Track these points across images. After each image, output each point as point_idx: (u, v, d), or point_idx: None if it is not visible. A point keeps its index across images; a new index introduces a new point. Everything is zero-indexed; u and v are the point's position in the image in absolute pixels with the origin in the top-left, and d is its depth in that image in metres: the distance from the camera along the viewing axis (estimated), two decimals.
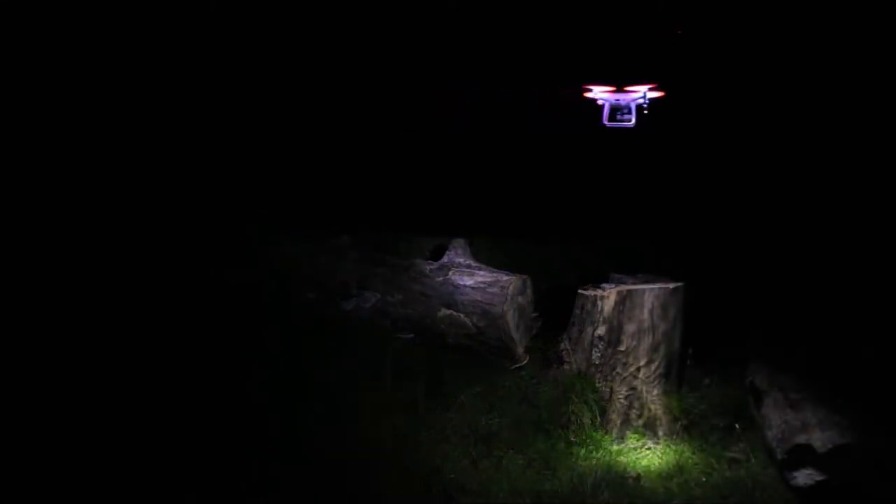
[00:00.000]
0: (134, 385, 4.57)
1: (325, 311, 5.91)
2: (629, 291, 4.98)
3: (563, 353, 5.17)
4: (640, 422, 4.89)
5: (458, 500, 4.00)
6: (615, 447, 4.65)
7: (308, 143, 7.85)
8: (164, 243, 6.15)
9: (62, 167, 6.40)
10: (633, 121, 5.59)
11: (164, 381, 4.65)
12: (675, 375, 5.12)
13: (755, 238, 7.12)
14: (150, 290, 5.61)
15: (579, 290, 5.15)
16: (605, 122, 5.68)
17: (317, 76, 7.89)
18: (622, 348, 4.98)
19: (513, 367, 5.39)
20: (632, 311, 4.97)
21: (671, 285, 5.05)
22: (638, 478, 4.32)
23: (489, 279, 5.52)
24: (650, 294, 4.96)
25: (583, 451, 4.54)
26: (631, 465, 4.47)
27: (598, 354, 5.02)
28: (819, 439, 4.16)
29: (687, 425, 4.83)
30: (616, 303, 4.98)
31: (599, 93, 5.54)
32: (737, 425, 4.74)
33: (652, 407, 4.93)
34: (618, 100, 5.56)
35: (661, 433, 4.83)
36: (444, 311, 5.60)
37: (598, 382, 4.98)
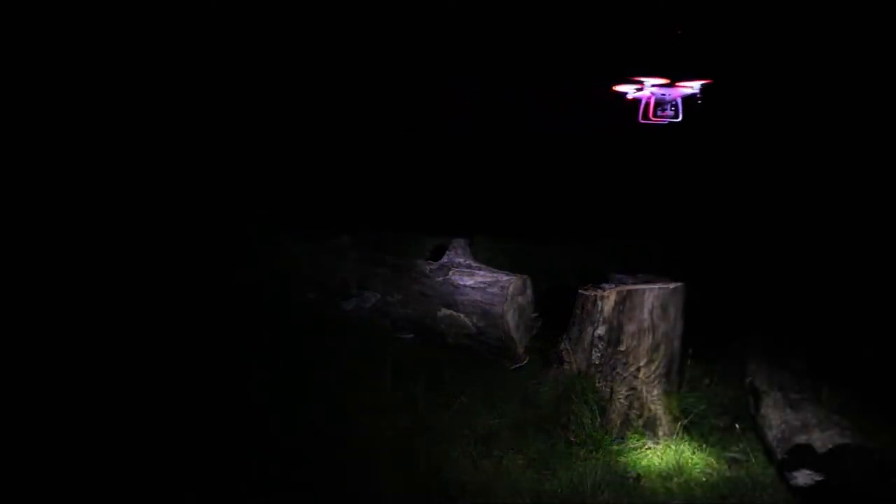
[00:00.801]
0: (134, 385, 4.57)
1: (325, 311, 5.91)
2: (629, 291, 4.98)
3: (563, 353, 5.17)
4: (640, 422, 4.89)
5: (458, 500, 4.00)
6: (615, 447, 4.65)
7: (308, 143, 7.85)
8: (165, 243, 6.15)
9: (63, 168, 6.40)
10: (680, 116, 5.25)
11: (164, 380, 4.65)
12: (675, 375, 5.12)
13: (755, 238, 7.12)
14: (150, 291, 5.61)
15: (579, 290, 5.15)
16: (642, 118, 5.36)
17: (317, 76, 7.89)
18: (622, 348, 4.98)
19: (513, 367, 5.39)
20: (632, 311, 4.97)
21: (671, 285, 5.05)
22: (638, 478, 4.32)
23: (489, 279, 5.52)
24: (650, 294, 4.96)
25: (583, 451, 4.54)
26: (631, 465, 4.47)
27: (598, 354, 5.02)
28: (819, 439, 4.16)
29: (687, 425, 4.82)
30: (616, 303, 4.98)
31: (650, 86, 5.19)
32: (737, 425, 4.74)
33: (652, 407, 4.93)
34: (663, 94, 5.22)
35: (661, 433, 4.82)
36: (444, 311, 5.60)
37: (598, 382, 4.98)
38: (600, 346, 5.01)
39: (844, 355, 5.33)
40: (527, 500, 4.03)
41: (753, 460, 4.47)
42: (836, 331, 5.59)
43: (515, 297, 5.41)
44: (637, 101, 5.32)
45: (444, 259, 5.88)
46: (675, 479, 4.31)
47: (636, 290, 4.98)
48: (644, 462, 4.51)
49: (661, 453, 4.61)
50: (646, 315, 4.96)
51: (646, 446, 4.70)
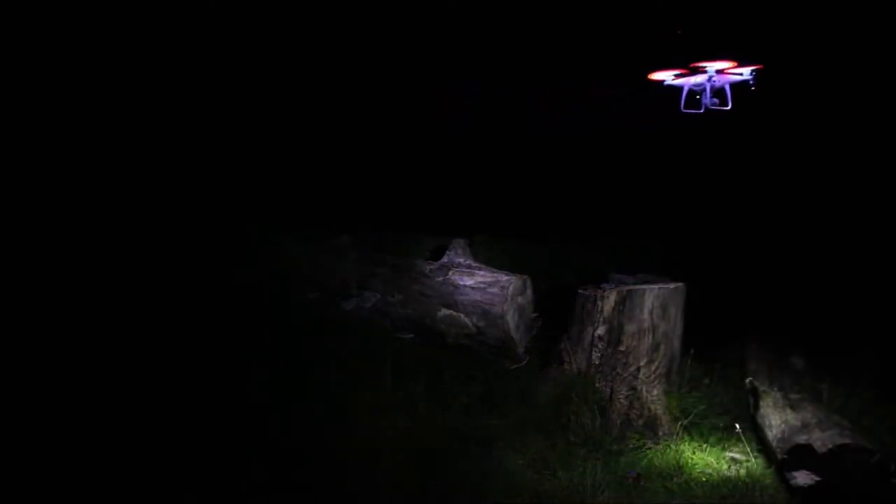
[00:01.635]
0: (134, 385, 4.57)
1: (325, 311, 5.91)
2: (629, 291, 4.98)
3: (563, 353, 5.17)
4: (640, 422, 4.88)
5: (458, 499, 4.00)
6: (615, 447, 4.65)
7: (308, 143, 7.85)
8: (165, 244, 6.14)
9: (63, 168, 6.40)
10: (729, 104, 4.93)
11: (164, 381, 4.65)
12: (675, 375, 5.12)
13: (755, 238, 7.12)
14: (150, 291, 5.61)
15: (579, 290, 5.15)
16: (684, 108, 5.03)
17: (317, 76, 7.88)
18: (622, 348, 4.98)
19: (513, 367, 5.39)
20: (632, 311, 4.97)
21: (671, 285, 5.05)
22: (638, 478, 4.32)
23: (489, 279, 5.52)
24: (650, 294, 4.96)
25: (583, 451, 4.54)
26: (631, 465, 4.47)
27: (598, 354, 5.02)
28: (819, 439, 4.17)
29: (687, 425, 4.82)
30: (616, 303, 4.98)
31: (713, 68, 4.82)
32: (737, 425, 4.74)
33: (652, 407, 4.93)
34: (714, 82, 4.89)
35: (661, 433, 4.82)
36: (444, 311, 5.60)
37: (598, 382, 4.98)
38: (600, 346, 5.01)
39: (844, 355, 5.33)
40: (527, 500, 4.03)
41: (753, 460, 4.47)
42: (836, 331, 5.59)
43: (515, 297, 5.41)
44: (677, 88, 5.05)
45: (444, 259, 5.88)
46: (675, 479, 4.31)
47: (636, 290, 4.98)
48: (644, 462, 4.51)
49: (661, 453, 4.61)
50: (646, 315, 4.96)
51: (646, 446, 4.70)
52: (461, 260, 5.84)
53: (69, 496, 3.72)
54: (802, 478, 4.08)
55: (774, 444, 4.43)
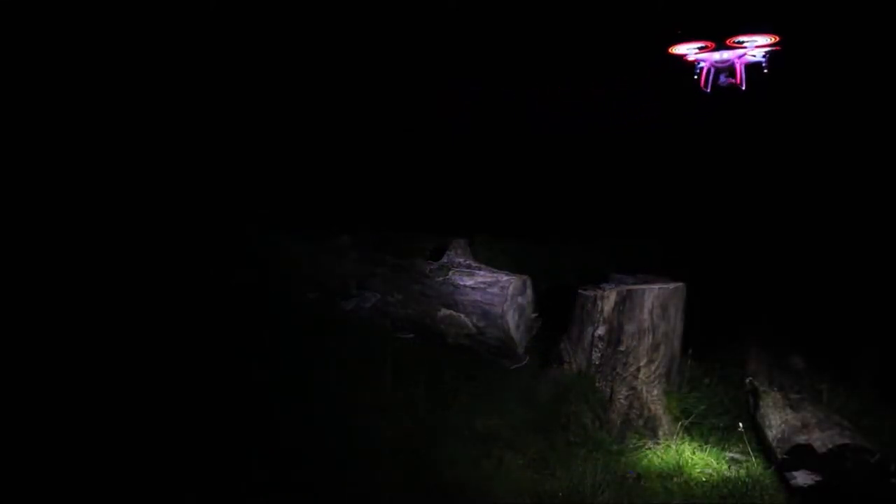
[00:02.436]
0: (135, 385, 4.57)
1: (325, 311, 5.90)
2: (629, 291, 4.98)
3: (563, 353, 5.17)
4: (640, 422, 4.89)
5: (458, 499, 4.00)
6: (615, 447, 4.65)
7: (308, 143, 7.85)
8: (165, 244, 6.14)
9: (63, 168, 6.40)
10: (743, 84, 4.75)
11: (164, 381, 4.65)
12: (675, 375, 5.12)
13: (755, 239, 7.12)
14: (151, 291, 5.60)
15: (579, 290, 5.16)
16: (704, 85, 4.83)
17: (317, 76, 7.88)
18: (622, 348, 4.98)
19: (513, 367, 5.39)
20: (632, 311, 4.97)
21: (671, 285, 5.06)
22: (638, 478, 4.32)
23: (489, 279, 5.52)
24: (650, 294, 4.96)
25: (583, 451, 4.54)
26: (631, 465, 4.47)
27: (598, 354, 5.02)
28: (819, 439, 4.17)
29: (687, 425, 4.83)
30: (616, 303, 4.99)
31: (752, 43, 4.56)
32: (740, 424, 4.74)
33: (652, 407, 4.93)
34: (724, 60, 4.72)
35: (661, 433, 4.83)
36: (444, 311, 5.60)
37: (598, 382, 4.98)
38: (600, 346, 5.01)
39: (844, 355, 5.33)
40: (527, 500, 4.03)
41: (753, 460, 4.47)
42: (836, 331, 5.59)
43: (515, 297, 5.41)
44: (696, 64, 4.88)
45: (444, 259, 5.88)
46: (675, 479, 4.32)
47: (636, 290, 4.98)
48: (644, 462, 4.51)
49: (661, 453, 4.61)
50: (646, 315, 4.96)
51: (646, 446, 4.70)
52: (461, 260, 5.84)
53: (69, 496, 3.72)
54: (802, 478, 4.08)
55: (774, 444, 4.43)
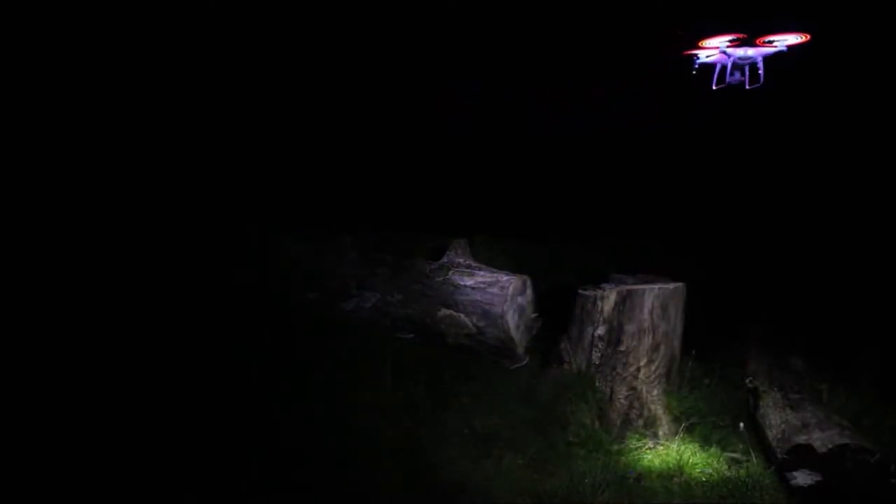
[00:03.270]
0: (134, 385, 4.57)
1: (325, 311, 5.90)
2: (629, 291, 4.98)
3: (563, 353, 5.17)
4: (640, 422, 4.89)
5: (458, 499, 4.00)
6: (615, 447, 4.65)
7: (308, 143, 7.85)
8: (165, 244, 6.14)
9: (63, 168, 6.40)
10: (761, 80, 4.56)
11: (164, 381, 4.65)
12: (675, 375, 5.12)
13: (755, 239, 7.12)
14: (150, 291, 5.60)
15: (579, 290, 5.15)
16: (716, 84, 4.66)
17: (317, 76, 7.88)
18: (622, 348, 4.98)
19: (513, 367, 5.39)
20: (632, 311, 4.97)
21: (671, 285, 5.05)
22: (638, 478, 4.32)
23: (489, 279, 5.52)
24: (650, 294, 4.96)
25: (583, 451, 4.54)
26: (631, 465, 4.47)
27: (598, 354, 5.02)
28: (819, 439, 4.17)
29: (687, 425, 4.83)
30: (616, 303, 4.99)
31: (783, 43, 4.36)
32: (741, 424, 4.74)
33: (652, 407, 4.93)
34: (739, 56, 4.48)
35: (661, 433, 4.83)
36: (444, 311, 5.60)
37: (598, 382, 4.98)
38: (600, 346, 5.01)
39: (844, 355, 5.33)
40: (527, 500, 4.03)
41: (753, 460, 4.47)
42: (836, 331, 5.59)
43: (515, 297, 5.41)
44: (694, 59, 4.70)
45: (444, 259, 5.88)
46: (675, 479, 4.32)
47: (636, 290, 4.98)
48: (644, 462, 4.51)
49: (661, 453, 4.61)
50: (646, 315, 4.96)
51: (646, 446, 4.70)
52: (461, 260, 5.84)
53: (69, 495, 3.72)
54: (802, 478, 4.08)
55: (774, 444, 4.43)
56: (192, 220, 6.52)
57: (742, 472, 4.34)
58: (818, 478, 4.05)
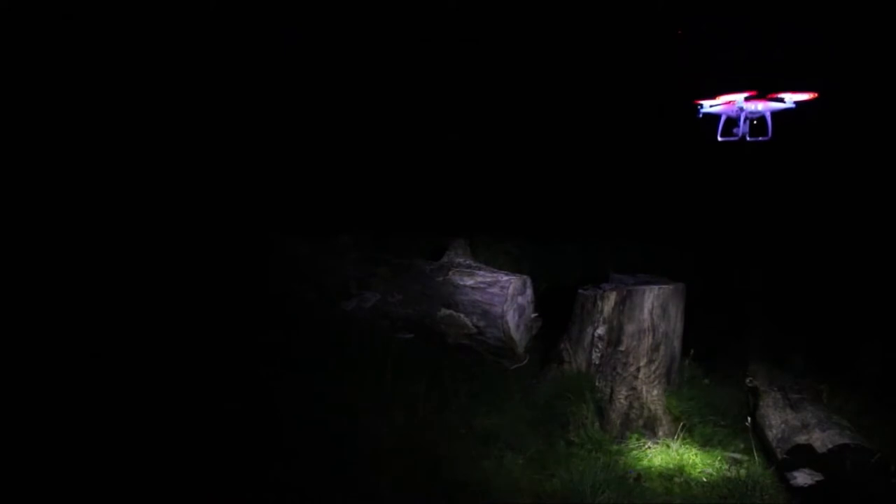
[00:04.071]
0: (133, 385, 4.57)
1: (325, 311, 5.91)
2: (629, 291, 4.98)
3: (563, 353, 5.17)
4: (640, 422, 4.89)
5: (458, 499, 4.00)
6: (615, 447, 4.65)
7: (308, 143, 7.85)
8: (165, 244, 6.14)
9: (68, 171, 6.41)
10: (769, 133, 4.70)
11: (163, 381, 4.65)
12: (675, 375, 5.12)
13: (755, 239, 7.12)
14: (150, 292, 5.60)
15: (579, 290, 5.16)
16: (721, 136, 4.83)
17: (318, 77, 7.89)
18: (622, 348, 4.98)
19: (513, 367, 5.39)
20: (632, 311, 4.97)
21: (671, 285, 5.05)
22: (638, 478, 4.32)
23: (489, 279, 5.52)
24: (650, 294, 4.96)
25: (583, 451, 4.54)
26: (631, 465, 4.47)
27: (598, 354, 5.02)
28: (819, 439, 4.17)
29: (687, 425, 4.83)
30: (616, 303, 4.99)
31: (791, 99, 4.55)
32: (748, 419, 4.74)
33: (652, 407, 4.93)
34: (745, 109, 4.63)
35: (661, 433, 4.83)
36: (444, 311, 5.60)
37: (598, 382, 4.98)
38: (600, 346, 5.01)
39: (844, 355, 5.33)
40: (527, 500, 4.03)
41: (753, 460, 4.47)
42: (836, 331, 5.59)
43: (515, 297, 5.41)
44: (698, 108, 4.87)
45: (444, 259, 5.88)
46: (675, 479, 4.31)
47: (636, 290, 4.98)
48: (644, 462, 4.51)
49: (661, 453, 4.61)
50: (646, 315, 4.96)
51: (646, 446, 4.70)
52: (461, 260, 5.84)
53: (69, 495, 3.72)
54: (802, 478, 4.08)
55: (774, 444, 4.43)
56: (192, 221, 6.53)
57: (742, 472, 4.34)
58: (818, 478, 4.04)
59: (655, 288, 4.98)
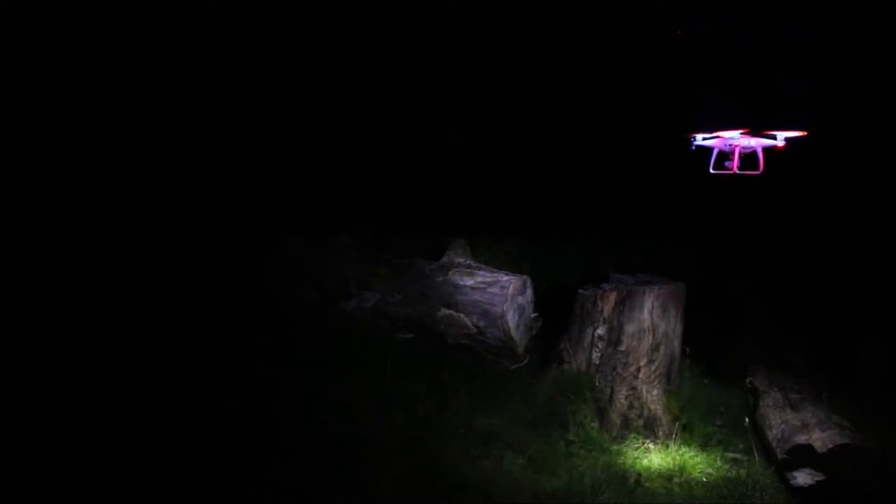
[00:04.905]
0: (132, 385, 4.57)
1: (325, 311, 5.91)
2: (629, 291, 4.98)
3: (563, 353, 5.17)
4: (640, 422, 4.89)
5: (457, 499, 4.00)
6: (615, 447, 4.65)
7: (308, 143, 7.85)
8: (165, 245, 6.14)
9: (69, 171, 6.42)
10: (760, 167, 4.87)
11: (163, 381, 4.65)
12: (675, 375, 5.12)
13: (755, 238, 7.12)
14: (150, 292, 5.60)
15: (579, 290, 5.15)
16: (713, 168, 4.97)
17: (318, 77, 7.89)
18: (622, 348, 4.98)
19: (513, 367, 5.39)
20: (632, 311, 4.97)
21: (671, 285, 5.06)
22: (638, 478, 4.32)
23: (489, 279, 5.52)
24: (650, 294, 4.96)
25: (582, 450, 4.54)
26: (631, 465, 4.47)
27: (598, 354, 5.02)
28: (819, 439, 4.17)
29: (687, 425, 4.83)
30: (616, 303, 4.99)
31: (781, 136, 4.81)
32: (747, 419, 4.74)
33: (652, 407, 4.93)
34: (737, 144, 4.82)
35: (661, 433, 4.83)
36: (444, 311, 5.60)
37: (598, 382, 4.98)
38: (600, 346, 5.01)
39: (844, 355, 5.33)
40: (526, 500, 4.03)
41: (753, 460, 4.47)
42: (836, 330, 5.59)
43: (515, 297, 5.41)
44: (692, 140, 5.03)
45: (444, 259, 5.88)
46: (675, 479, 4.32)
47: (636, 290, 4.98)
48: (644, 462, 4.51)
49: (661, 453, 4.61)
50: (646, 315, 4.96)
51: (646, 446, 4.70)
52: (461, 260, 5.84)
53: (70, 495, 3.72)
54: (802, 478, 4.08)
55: (774, 444, 4.43)
56: (192, 221, 6.53)
57: (742, 472, 4.34)
58: (818, 478, 4.04)
59: (655, 288, 4.98)
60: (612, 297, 4.99)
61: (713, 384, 5.20)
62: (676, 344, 5.10)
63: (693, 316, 5.20)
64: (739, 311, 6.08)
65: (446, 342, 5.60)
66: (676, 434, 4.77)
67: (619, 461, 4.48)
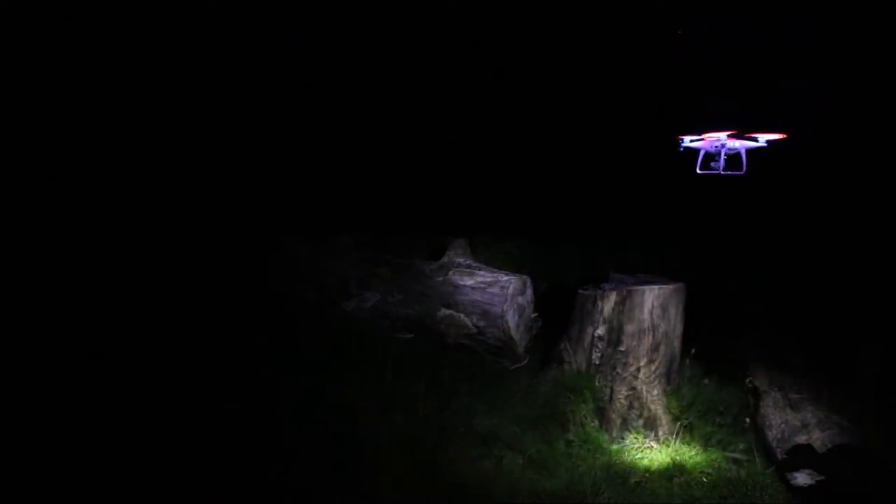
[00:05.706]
0: (133, 385, 4.57)
1: (325, 311, 5.91)
2: (629, 291, 4.98)
3: (563, 353, 5.17)
4: (640, 422, 4.89)
5: (457, 499, 4.00)
6: (615, 447, 4.65)
7: (308, 143, 7.85)
8: (165, 245, 6.14)
9: (70, 171, 6.42)
10: (743, 168, 5.14)
11: (163, 381, 4.65)
12: (675, 375, 5.12)
13: (755, 238, 7.12)
14: (150, 292, 5.60)
15: (579, 290, 5.16)
16: (700, 168, 5.23)
17: (318, 77, 7.89)
18: (622, 348, 4.98)
19: (513, 367, 5.39)
20: (632, 311, 4.97)
21: (671, 285, 5.05)
22: (638, 478, 4.32)
23: (489, 279, 5.52)
24: (650, 294, 4.96)
25: (583, 451, 4.54)
26: (631, 465, 4.47)
27: (598, 354, 5.02)
28: (819, 439, 4.17)
29: (687, 425, 4.82)
30: (616, 303, 4.98)
31: (763, 139, 5.09)
32: (747, 419, 4.73)
33: (652, 407, 4.93)
34: (722, 145, 5.11)
35: (661, 433, 4.83)
36: (444, 311, 5.60)
37: (598, 382, 4.98)
38: (600, 346, 5.01)
39: (844, 355, 5.33)
40: (526, 500, 4.03)
41: (753, 460, 4.47)
42: (836, 330, 5.59)
43: (515, 297, 5.41)
44: (679, 142, 5.30)
45: (444, 259, 5.88)
46: (676, 479, 4.31)
47: (636, 290, 4.98)
48: (644, 462, 4.51)
49: (661, 453, 4.61)
50: (646, 315, 4.96)
51: (646, 446, 4.70)
52: (461, 260, 5.84)
53: (70, 495, 3.72)
54: (802, 478, 4.08)
55: (774, 444, 4.43)
56: (192, 221, 6.53)
57: (742, 472, 4.34)
58: (818, 478, 4.04)
59: (655, 288, 4.98)
60: (612, 297, 4.98)
61: (713, 384, 5.20)
62: (676, 344, 5.09)
63: (693, 316, 5.19)
64: (739, 311, 6.07)
65: (446, 342, 5.60)
66: (676, 434, 4.77)
67: (619, 461, 4.48)
